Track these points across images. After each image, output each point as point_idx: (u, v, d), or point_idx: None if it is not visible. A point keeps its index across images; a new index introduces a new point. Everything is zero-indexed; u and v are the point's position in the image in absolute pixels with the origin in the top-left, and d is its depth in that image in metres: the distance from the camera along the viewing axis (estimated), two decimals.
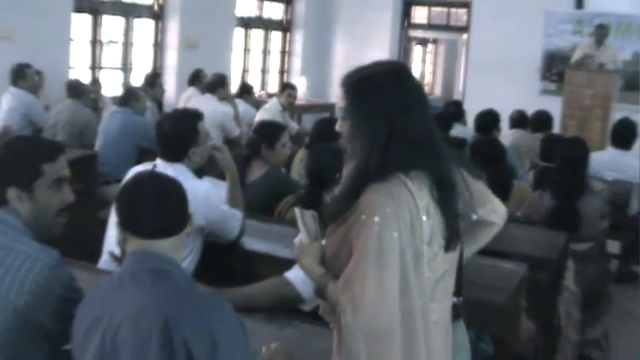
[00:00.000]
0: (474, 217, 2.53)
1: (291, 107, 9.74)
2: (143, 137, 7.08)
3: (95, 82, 9.65)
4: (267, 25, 13.99)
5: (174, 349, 2.11)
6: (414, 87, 2.35)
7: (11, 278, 2.43)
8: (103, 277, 2.41)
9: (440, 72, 18.61)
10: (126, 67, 11.17)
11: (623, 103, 10.96)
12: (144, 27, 11.41)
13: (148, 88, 8.75)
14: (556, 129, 8.83)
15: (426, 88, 18.24)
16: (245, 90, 10.20)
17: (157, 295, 2.21)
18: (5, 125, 6.95)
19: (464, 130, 7.92)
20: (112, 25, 10.88)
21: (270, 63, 14.27)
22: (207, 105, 7.66)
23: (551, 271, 4.33)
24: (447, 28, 14.71)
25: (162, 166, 3.83)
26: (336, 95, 14.12)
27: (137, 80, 10.20)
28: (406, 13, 14.62)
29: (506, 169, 5.48)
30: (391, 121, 2.24)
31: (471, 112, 8.57)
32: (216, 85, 8.94)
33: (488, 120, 7.18)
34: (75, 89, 8.01)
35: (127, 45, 11.14)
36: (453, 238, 2.31)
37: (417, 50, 17.06)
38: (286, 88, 9.71)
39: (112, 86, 10.58)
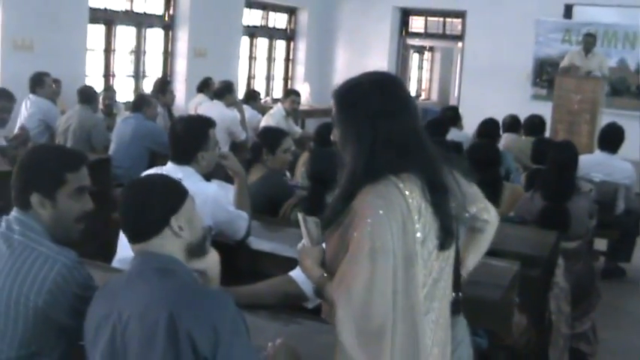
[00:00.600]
0: (467, 215, 2.51)
1: (294, 112, 9.73)
2: (154, 141, 7.09)
3: (109, 88, 9.64)
4: (272, 34, 14.00)
5: (179, 342, 2.11)
6: (398, 93, 2.32)
7: (32, 278, 2.44)
8: (112, 276, 2.40)
9: (436, 78, 18.59)
10: (138, 75, 11.17)
11: (609, 107, 10.99)
12: (155, 36, 11.42)
13: (159, 94, 8.75)
14: (546, 133, 8.82)
15: (423, 94, 18.26)
16: (251, 96, 10.19)
17: (162, 291, 2.21)
18: (23, 129, 6.94)
19: (459, 134, 7.90)
20: (125, 34, 10.89)
21: (275, 70, 14.28)
22: (216, 110, 7.65)
23: (543, 268, 4.32)
24: (442, 36, 14.73)
25: (172, 169, 3.83)
26: None
27: (149, 87, 10.20)
28: (404, 23, 14.63)
29: (499, 173, 5.46)
30: (375, 126, 2.22)
31: (466, 116, 8.59)
32: (224, 91, 8.93)
33: (490, 127, 7.15)
34: (85, 95, 8.00)
35: (139, 54, 11.15)
36: (447, 237, 2.28)
37: (414, 58, 17.04)
38: (290, 94, 9.69)
39: (125, 93, 10.59)
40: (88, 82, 9.55)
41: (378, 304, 2.10)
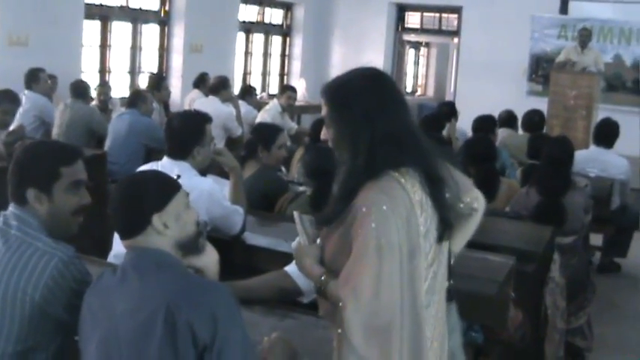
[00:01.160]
0: (461, 205, 2.50)
1: (290, 108, 9.71)
2: (150, 137, 7.08)
3: (104, 84, 9.63)
4: (268, 29, 13.99)
5: (177, 333, 2.11)
6: (389, 88, 2.32)
7: (28, 273, 2.44)
8: (106, 270, 2.40)
9: (432, 74, 18.59)
10: (134, 71, 11.16)
11: (605, 103, 10.97)
12: (151, 32, 11.41)
13: (154, 91, 8.73)
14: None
15: (419, 90, 18.26)
16: (247, 92, 10.18)
17: (158, 283, 2.22)
18: (19, 124, 6.93)
19: (455, 130, 7.92)
20: (121, 30, 10.87)
21: (271, 66, 14.28)
22: (211, 106, 7.64)
23: (538, 263, 4.32)
24: (438, 32, 14.73)
25: (168, 164, 3.84)
26: None
27: (145, 83, 10.19)
28: (400, 18, 14.63)
29: (494, 168, 5.47)
30: (372, 122, 2.22)
31: (462, 112, 8.57)
32: (220, 87, 8.93)
33: (486, 123, 7.12)
34: (77, 89, 8.01)
35: (134, 49, 11.13)
36: (445, 229, 2.29)
37: (410, 53, 17.04)
38: (286, 90, 9.68)
39: (120, 89, 10.57)
40: (84, 77, 9.53)
41: (387, 301, 2.10)
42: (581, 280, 5.31)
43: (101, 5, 10.38)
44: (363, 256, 2.12)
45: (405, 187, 2.19)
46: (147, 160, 5.84)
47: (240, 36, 13.03)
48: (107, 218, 2.50)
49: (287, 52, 14.51)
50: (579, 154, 6.10)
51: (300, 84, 13.20)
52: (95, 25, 10.38)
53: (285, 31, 14.38)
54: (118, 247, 3.31)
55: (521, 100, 11.64)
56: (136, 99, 7.47)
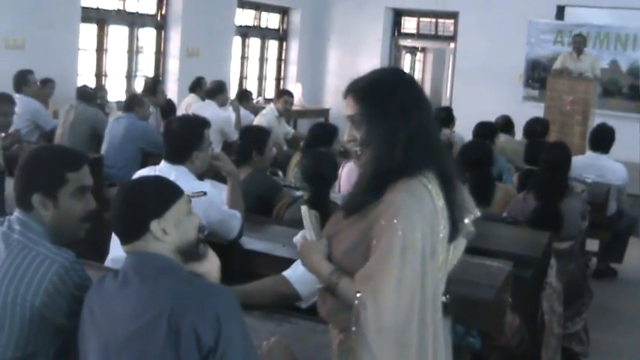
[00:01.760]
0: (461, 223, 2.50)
1: (287, 113, 9.71)
2: (146, 141, 7.07)
3: (100, 88, 9.62)
4: (264, 34, 13.98)
5: (181, 338, 2.12)
6: (418, 87, 2.35)
7: (29, 278, 2.43)
8: (107, 274, 2.40)
9: (428, 79, 18.60)
10: (130, 75, 11.15)
11: (601, 109, 11.00)
12: (147, 36, 11.40)
13: (149, 95, 8.69)
14: None
15: None
16: (243, 96, 10.18)
17: (160, 287, 2.22)
18: (15, 129, 6.92)
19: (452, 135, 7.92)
20: (117, 34, 10.86)
21: (268, 70, 14.26)
22: (208, 110, 7.63)
23: (535, 268, 4.33)
24: (435, 37, 14.72)
25: (166, 168, 3.84)
26: (330, 101, 14.25)
27: (141, 87, 10.17)
28: (396, 23, 14.62)
29: (490, 173, 5.47)
30: (409, 118, 2.23)
31: (458, 117, 8.59)
32: (216, 91, 8.93)
33: (486, 129, 7.06)
34: (84, 94, 8.02)
35: (131, 53, 11.13)
36: (454, 233, 2.31)
37: (406, 58, 17.05)
38: (283, 94, 9.67)
39: (117, 93, 10.56)
40: (80, 81, 9.52)
41: (407, 303, 2.11)
42: (578, 285, 5.32)
43: (98, 9, 10.37)
44: (388, 257, 2.11)
45: (431, 193, 2.20)
46: (143, 165, 5.83)
47: (237, 40, 13.01)
48: (104, 222, 2.50)
49: (283, 57, 14.51)
50: (576, 160, 6.11)
51: (296, 88, 13.18)
52: (92, 28, 10.36)
53: (281, 36, 14.38)
54: (116, 251, 3.31)
55: (518, 106, 11.67)
56: (132, 103, 7.46)
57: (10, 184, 5.79)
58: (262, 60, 14.09)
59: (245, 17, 13.29)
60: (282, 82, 14.47)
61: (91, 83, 9.75)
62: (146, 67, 11.42)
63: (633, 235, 7.42)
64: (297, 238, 3.33)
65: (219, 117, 8.29)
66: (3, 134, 6.42)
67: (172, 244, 2.35)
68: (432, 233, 2.18)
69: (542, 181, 5.27)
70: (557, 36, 12.50)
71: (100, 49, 10.56)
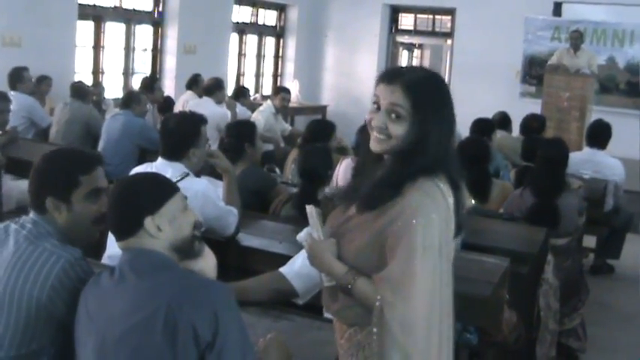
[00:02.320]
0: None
1: (284, 109, 9.71)
2: (144, 138, 7.08)
3: (97, 85, 9.61)
4: (261, 31, 13.97)
5: (178, 333, 2.12)
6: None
7: (35, 273, 2.44)
8: (103, 271, 2.40)
9: None
10: (127, 72, 11.14)
11: (598, 105, 11.00)
12: (144, 33, 11.38)
13: (147, 92, 8.69)
14: None
15: None
16: (240, 93, 10.19)
17: (156, 284, 2.22)
18: (12, 127, 6.92)
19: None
20: (114, 31, 10.85)
21: (265, 67, 14.26)
22: (206, 108, 7.63)
23: (532, 264, 4.33)
24: (432, 34, 14.71)
25: (162, 165, 3.84)
26: (327, 98, 14.24)
27: (138, 84, 10.17)
28: (393, 20, 14.61)
29: (487, 170, 5.47)
30: (444, 120, 2.29)
31: (455, 113, 8.57)
32: (214, 88, 8.94)
33: (484, 126, 7.04)
34: (78, 91, 8.00)
35: (128, 50, 11.11)
36: (458, 231, 2.32)
37: (403, 55, 17.02)
38: (280, 91, 9.67)
39: (114, 90, 10.56)
40: (77, 78, 9.51)
41: (430, 298, 2.14)
42: (574, 281, 5.32)
43: (94, 6, 10.35)
44: (410, 258, 2.13)
45: (442, 191, 2.22)
46: (141, 161, 5.83)
47: (234, 37, 13.01)
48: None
49: (280, 54, 14.50)
50: (573, 156, 6.11)
51: (293, 85, 13.19)
52: (88, 25, 10.35)
53: (278, 33, 14.37)
54: (113, 248, 3.30)
55: (515, 102, 11.67)
56: (130, 100, 7.46)
57: (7, 180, 5.83)
58: (259, 57, 14.08)
59: (242, 14, 13.28)
60: (279, 78, 14.46)
61: (88, 80, 9.74)
62: (143, 64, 11.40)
63: (630, 231, 7.43)
64: (302, 236, 3.33)
65: (216, 114, 8.29)
66: (0, 132, 6.43)
67: (166, 240, 2.35)
68: (447, 230, 2.21)
69: (539, 178, 5.27)
70: (555, 32, 12.50)
71: (97, 46, 10.54)
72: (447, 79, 14.08)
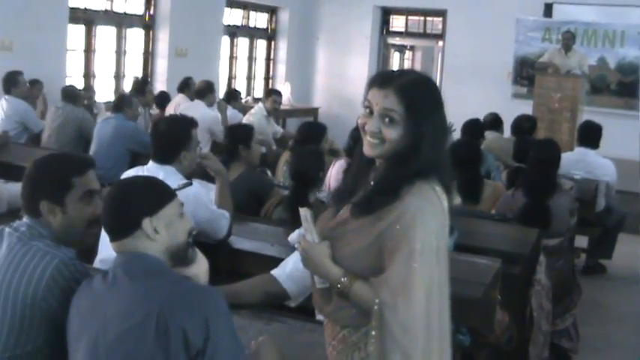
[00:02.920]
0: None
1: (275, 112, 9.70)
2: (135, 142, 7.06)
3: (88, 88, 9.59)
4: (252, 33, 13.97)
5: (170, 339, 2.12)
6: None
7: (29, 274, 2.44)
8: (95, 275, 2.40)
9: None
10: (118, 75, 11.12)
11: (590, 105, 11.04)
12: (135, 36, 11.36)
13: (138, 95, 8.68)
14: None
15: None
16: (232, 96, 10.17)
17: (149, 288, 2.22)
18: (3, 131, 6.91)
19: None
20: (105, 35, 10.83)
21: (256, 70, 14.25)
22: (197, 110, 7.63)
23: (524, 265, 4.34)
24: (423, 35, 14.72)
25: (153, 168, 3.83)
26: (319, 100, 14.25)
27: (129, 87, 10.16)
28: (385, 22, 14.63)
29: (478, 171, 5.47)
30: (438, 124, 2.29)
31: (446, 115, 8.57)
32: (205, 91, 8.94)
33: (474, 127, 7.05)
34: (69, 95, 7.97)
35: (119, 54, 11.09)
36: (450, 232, 2.36)
37: (395, 57, 17.04)
38: (271, 93, 9.66)
39: (105, 93, 10.54)
40: (69, 82, 9.48)
41: (427, 303, 2.15)
42: (567, 282, 5.33)
43: (85, 10, 10.33)
44: (409, 262, 2.13)
45: (437, 194, 2.23)
46: (132, 165, 5.82)
47: (225, 40, 13.01)
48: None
49: (272, 56, 14.50)
50: (565, 157, 6.13)
51: (285, 88, 13.19)
52: (80, 29, 10.33)
53: (269, 35, 14.37)
54: (105, 252, 3.31)
55: (506, 103, 11.68)
56: (121, 103, 7.45)
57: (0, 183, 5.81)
58: (251, 59, 14.08)
59: (233, 17, 13.28)
60: (270, 81, 14.46)
61: (80, 84, 9.70)
62: (134, 68, 11.38)
63: (622, 231, 7.45)
64: (294, 238, 3.32)
65: (208, 117, 8.29)
66: None
67: (162, 244, 2.35)
68: (443, 232, 2.22)
69: (530, 178, 5.28)
70: (546, 33, 12.53)
71: (88, 50, 10.53)
72: (438, 81, 14.25)
